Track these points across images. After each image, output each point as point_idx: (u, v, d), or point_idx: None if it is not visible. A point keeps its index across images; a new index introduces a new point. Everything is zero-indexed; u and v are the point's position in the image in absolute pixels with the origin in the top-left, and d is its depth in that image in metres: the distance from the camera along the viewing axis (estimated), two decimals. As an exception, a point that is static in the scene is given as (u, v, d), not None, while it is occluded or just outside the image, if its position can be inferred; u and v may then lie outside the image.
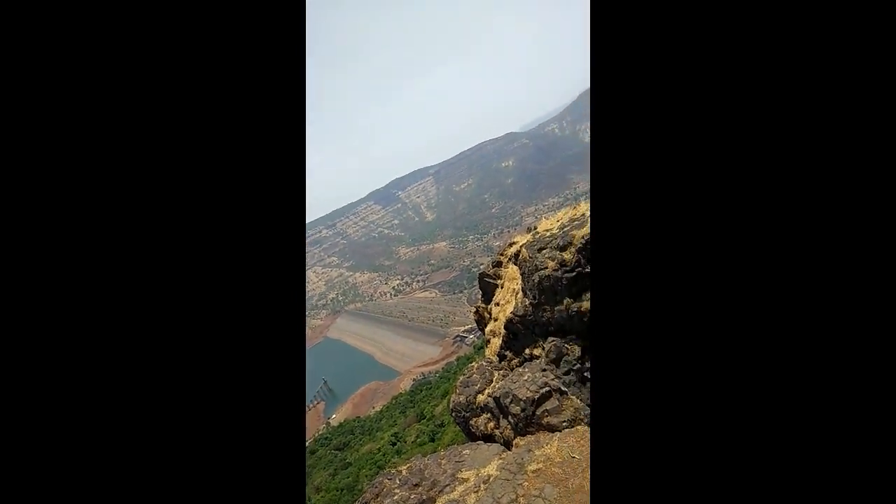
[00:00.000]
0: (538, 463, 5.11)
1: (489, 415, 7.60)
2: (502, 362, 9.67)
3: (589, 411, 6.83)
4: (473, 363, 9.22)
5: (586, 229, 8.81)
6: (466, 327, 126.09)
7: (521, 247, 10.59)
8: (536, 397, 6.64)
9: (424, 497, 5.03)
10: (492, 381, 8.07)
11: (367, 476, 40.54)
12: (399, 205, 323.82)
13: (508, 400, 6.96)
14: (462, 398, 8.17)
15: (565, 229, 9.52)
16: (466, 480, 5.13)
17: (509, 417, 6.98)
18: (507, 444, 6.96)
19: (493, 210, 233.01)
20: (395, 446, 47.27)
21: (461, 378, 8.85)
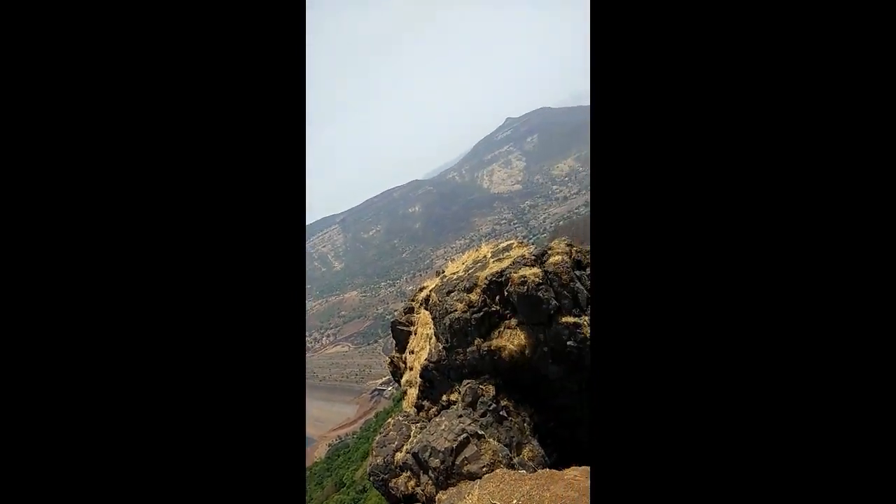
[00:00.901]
0: (462, 517, 4.89)
1: (409, 473, 7.20)
2: (420, 413, 9.35)
3: (507, 451, 6.86)
4: (390, 419, 8.77)
5: (488, 270, 9.28)
6: (384, 379, 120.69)
7: (430, 291, 10.70)
8: (455, 446, 6.49)
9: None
10: (409, 436, 7.73)
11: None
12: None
13: (427, 454, 6.69)
14: (379, 459, 7.64)
15: (470, 271, 9.91)
16: (387, 555, 4.67)
17: (429, 472, 6.68)
18: (430, 501, 6.60)
19: (404, 255, 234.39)
20: (312, 527, 41.79)
21: (377, 437, 8.32)
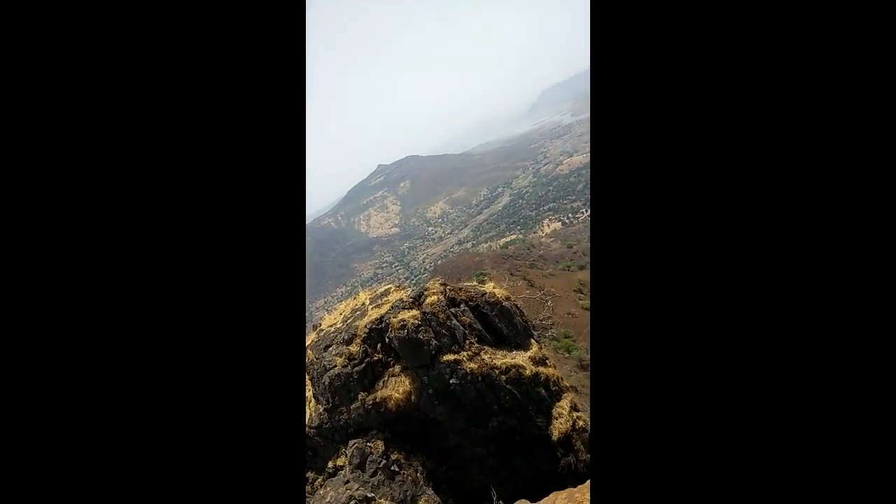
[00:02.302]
0: None
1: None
2: (306, 487, 8.36)
3: (401, 509, 6.54)
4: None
5: (368, 317, 9.08)
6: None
7: (307, 348, 9.93)
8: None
9: None
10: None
11: None
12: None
13: (313, 535, 5.94)
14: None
15: (348, 321, 9.56)
16: None
17: (317, 557, 5.91)
18: None
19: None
20: None
21: None
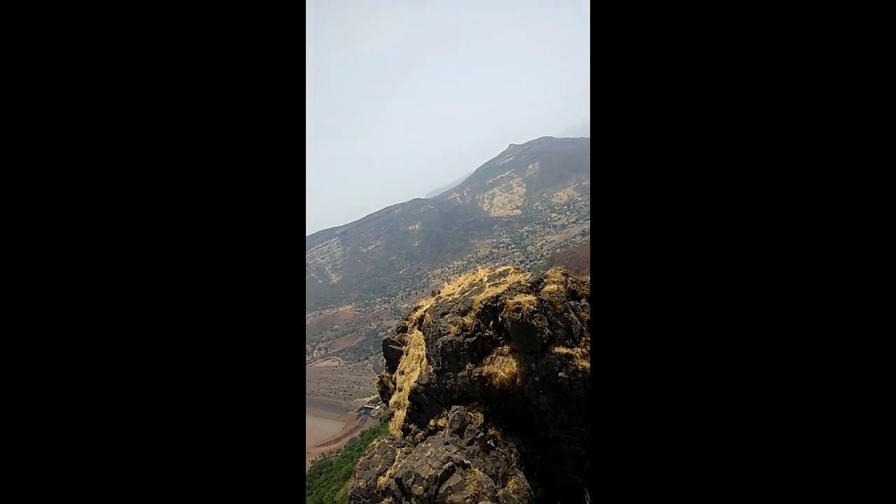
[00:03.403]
0: (441, 551, 4.73)
1: (391, 499, 7.01)
2: (406, 437, 9.18)
3: (492, 483, 6.71)
4: (375, 441, 8.60)
5: (484, 294, 9.27)
6: (372, 398, 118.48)
7: (425, 311, 10.65)
8: (439, 474, 6.35)
9: None
10: (394, 460, 7.56)
11: None
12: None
13: (411, 480, 6.54)
14: (362, 483, 7.45)
15: (466, 294, 9.91)
16: (362, 587, 4.51)
17: (412, 499, 6.51)
18: (411, 532, 6.40)
19: (401, 272, 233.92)
20: (286, 549, 40.08)
21: (361, 459, 8.13)
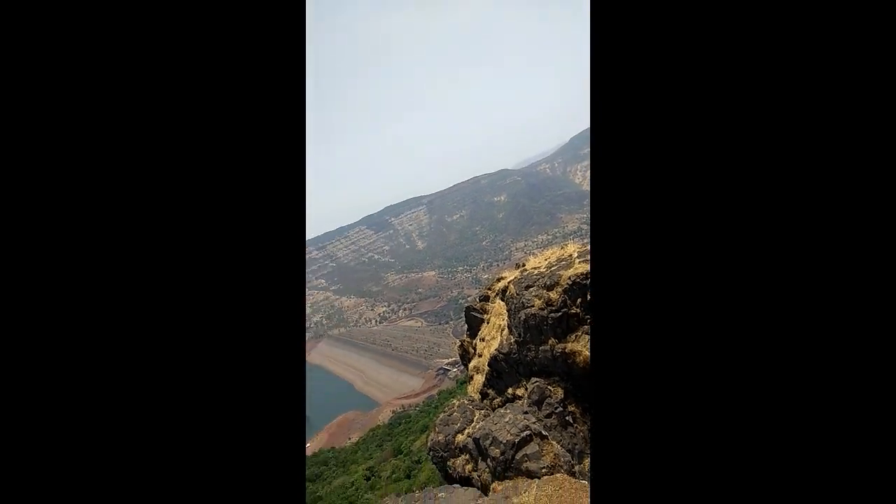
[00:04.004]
0: (515, 512, 4.92)
1: (468, 456, 7.38)
2: (484, 401, 9.48)
3: (569, 457, 6.68)
4: (455, 400, 9.03)
5: (573, 270, 8.92)
6: (450, 360, 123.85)
7: (508, 282, 10.64)
8: (517, 441, 6.49)
9: (394, 544, 4.78)
10: (472, 420, 7.89)
11: (337, 513, 38.33)
12: (391, 231, 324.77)
13: (488, 442, 6.79)
14: (441, 437, 7.94)
15: (553, 269, 9.63)
16: (440, 528, 4.91)
17: (488, 460, 6.78)
18: (485, 489, 6.72)
19: (484, 243, 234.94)
20: (370, 481, 45.09)
21: (441, 416, 8.64)
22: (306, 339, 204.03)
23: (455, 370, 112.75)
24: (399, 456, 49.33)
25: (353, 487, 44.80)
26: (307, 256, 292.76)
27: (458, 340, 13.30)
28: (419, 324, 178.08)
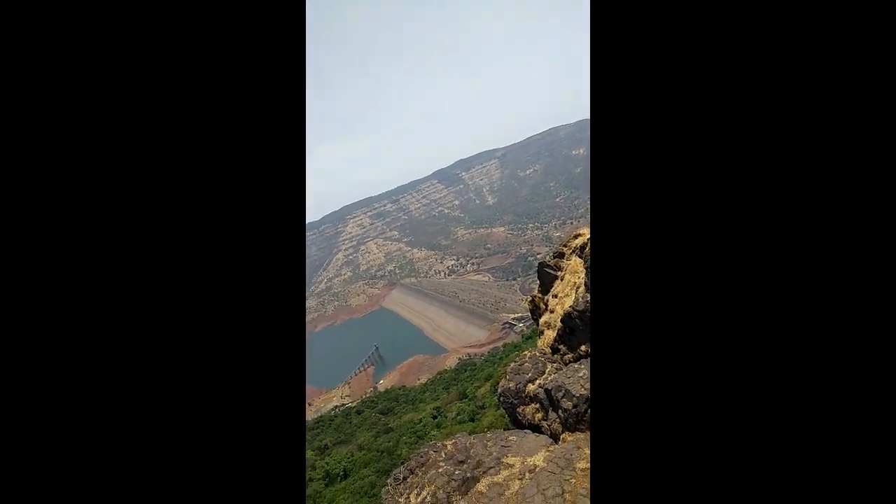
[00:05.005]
0: (587, 461, 4.97)
1: (538, 405, 7.52)
2: (555, 355, 9.46)
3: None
4: (526, 352, 9.12)
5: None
6: (516, 315, 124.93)
7: (587, 240, 10.14)
8: (590, 395, 6.42)
9: (468, 475, 5.12)
10: (544, 372, 7.94)
11: (406, 443, 42.30)
12: (461, 186, 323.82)
13: (560, 394, 6.81)
14: (512, 385, 8.14)
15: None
16: (511, 466, 5.14)
17: (559, 411, 6.85)
18: (555, 438, 6.86)
19: (558, 199, 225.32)
20: (436, 420, 48.72)
21: (512, 365, 8.81)
22: (381, 285, 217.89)
23: (521, 325, 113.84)
24: (464, 400, 52.22)
25: (421, 423, 48.79)
26: (382, 208, 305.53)
27: (527, 297, 13.22)
28: (486, 278, 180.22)
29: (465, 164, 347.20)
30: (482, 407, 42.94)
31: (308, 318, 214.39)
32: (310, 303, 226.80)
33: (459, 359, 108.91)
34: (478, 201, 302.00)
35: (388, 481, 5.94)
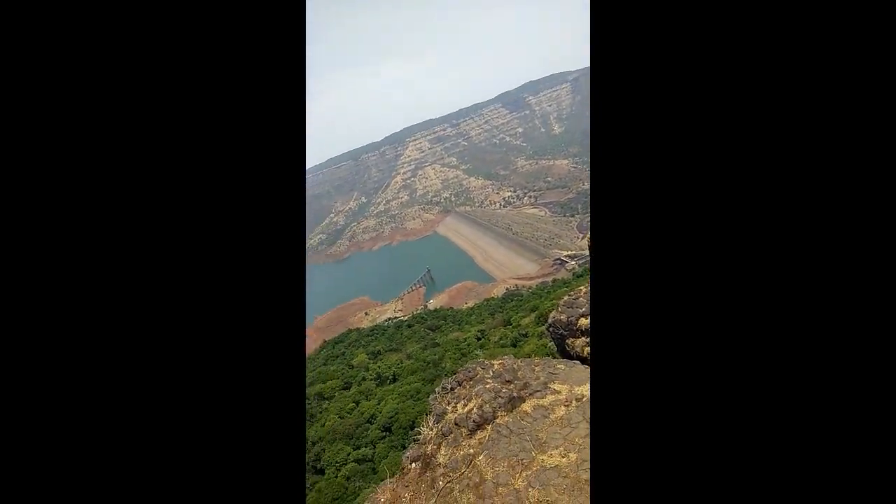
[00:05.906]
0: (637, 399, 4.92)
1: (587, 339, 7.45)
2: (613, 293, 9.13)
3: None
4: (582, 287, 8.87)
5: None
6: (569, 252, 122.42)
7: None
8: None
9: (515, 395, 5.29)
10: (600, 308, 7.73)
11: (451, 357, 45.55)
12: (527, 111, 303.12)
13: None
14: (563, 317, 8.07)
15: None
16: (558, 392, 5.22)
17: (611, 348, 6.75)
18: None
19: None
20: (480, 341, 51.44)
21: (566, 298, 8.66)
22: (436, 211, 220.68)
23: (573, 263, 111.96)
24: (508, 326, 54.20)
25: (466, 342, 51.87)
26: (443, 132, 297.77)
27: (585, 233, 12.61)
28: (543, 213, 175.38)
29: (533, 88, 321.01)
30: (525, 335, 44.45)
31: (367, 237, 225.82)
32: (369, 222, 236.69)
33: (507, 289, 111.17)
34: (543, 129, 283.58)
35: (437, 390, 6.33)
